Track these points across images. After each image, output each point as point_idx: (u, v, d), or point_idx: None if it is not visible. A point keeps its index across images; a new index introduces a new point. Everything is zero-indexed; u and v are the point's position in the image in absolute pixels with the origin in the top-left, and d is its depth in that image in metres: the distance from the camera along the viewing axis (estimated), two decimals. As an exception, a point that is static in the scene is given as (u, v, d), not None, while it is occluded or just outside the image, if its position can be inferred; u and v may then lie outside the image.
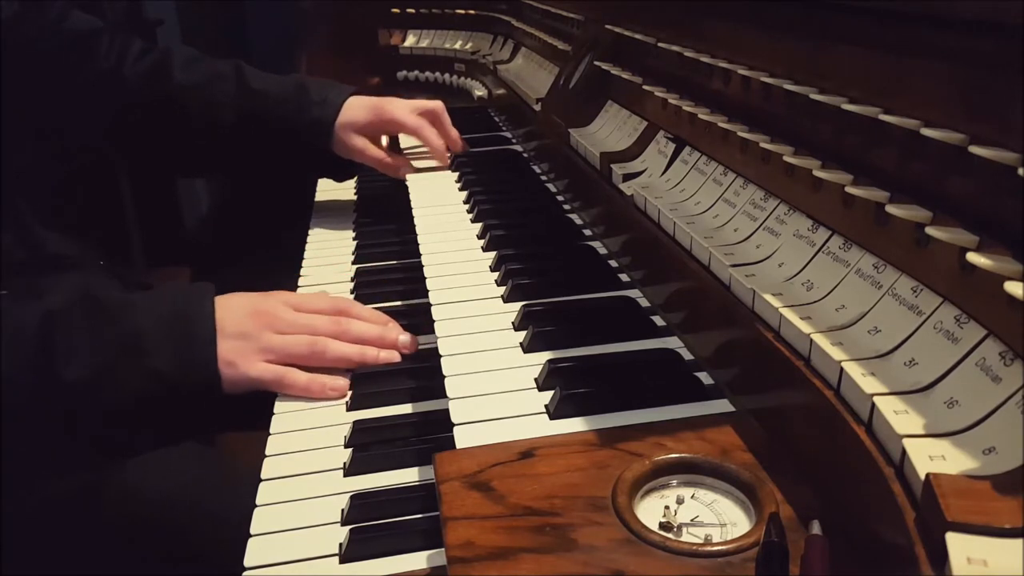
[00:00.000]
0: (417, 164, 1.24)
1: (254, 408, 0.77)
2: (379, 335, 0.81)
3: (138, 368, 0.71)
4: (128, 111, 1.10)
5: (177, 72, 1.11)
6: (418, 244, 0.97)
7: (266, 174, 1.29)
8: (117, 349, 0.72)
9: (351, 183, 1.33)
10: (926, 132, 0.47)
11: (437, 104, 1.25)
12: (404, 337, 0.81)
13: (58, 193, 1.11)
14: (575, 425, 0.60)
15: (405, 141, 1.33)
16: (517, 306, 0.78)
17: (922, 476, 0.39)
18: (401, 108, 1.21)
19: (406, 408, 0.74)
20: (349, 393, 0.75)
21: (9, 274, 0.91)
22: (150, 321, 0.73)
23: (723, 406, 0.62)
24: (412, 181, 1.19)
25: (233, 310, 0.77)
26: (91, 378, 0.71)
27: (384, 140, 1.24)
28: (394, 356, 0.79)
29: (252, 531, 0.59)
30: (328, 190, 1.31)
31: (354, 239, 1.13)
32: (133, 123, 1.11)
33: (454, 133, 1.27)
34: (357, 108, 1.15)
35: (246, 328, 0.76)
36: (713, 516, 0.50)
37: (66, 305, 0.73)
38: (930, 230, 0.46)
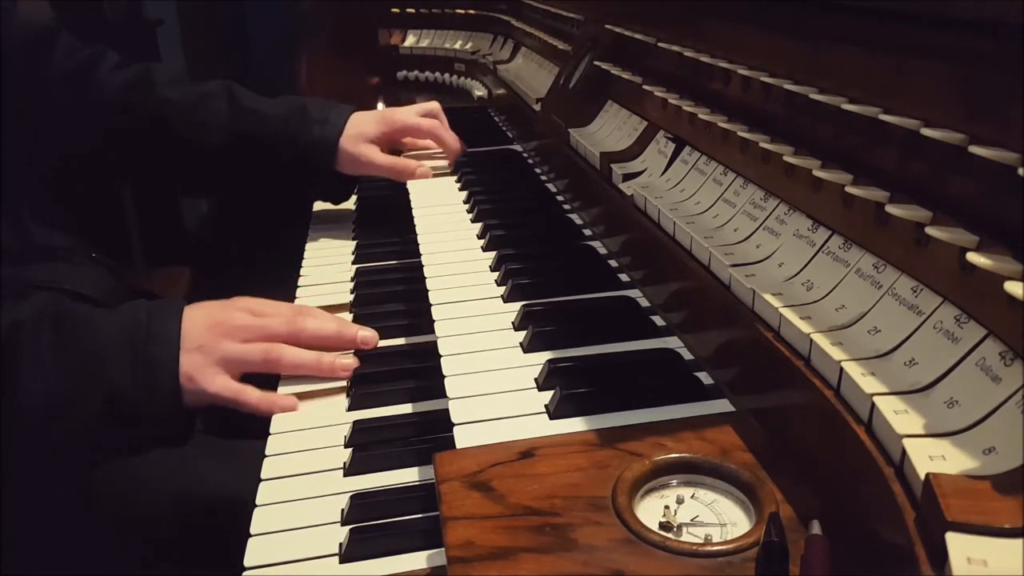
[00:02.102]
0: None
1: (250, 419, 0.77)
2: (336, 331, 0.81)
3: (99, 389, 0.73)
4: (110, 119, 1.07)
5: (161, 87, 1.09)
6: (418, 244, 0.97)
7: (261, 196, 1.26)
8: (80, 369, 0.73)
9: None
10: (926, 132, 0.47)
11: (435, 105, 1.26)
12: (364, 332, 0.82)
13: (57, 191, 1.10)
14: (575, 425, 0.60)
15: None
16: (517, 306, 0.78)
17: (922, 476, 0.39)
18: (409, 113, 1.21)
19: (406, 408, 0.74)
20: (351, 393, 0.75)
21: (5, 265, 0.91)
22: (113, 341, 0.74)
23: (723, 406, 0.62)
24: (412, 182, 1.19)
25: (193, 322, 0.77)
26: (53, 397, 0.72)
27: None
28: (350, 363, 0.79)
29: (252, 531, 0.59)
30: (334, 204, 1.30)
31: (354, 239, 1.13)
32: (119, 134, 1.08)
33: (452, 133, 1.28)
34: (365, 121, 1.14)
35: (204, 340, 0.76)
36: (713, 516, 0.50)
37: (35, 318, 0.74)
38: (930, 230, 0.46)
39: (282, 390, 0.77)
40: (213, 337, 0.77)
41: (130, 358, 0.74)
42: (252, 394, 0.76)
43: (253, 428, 0.74)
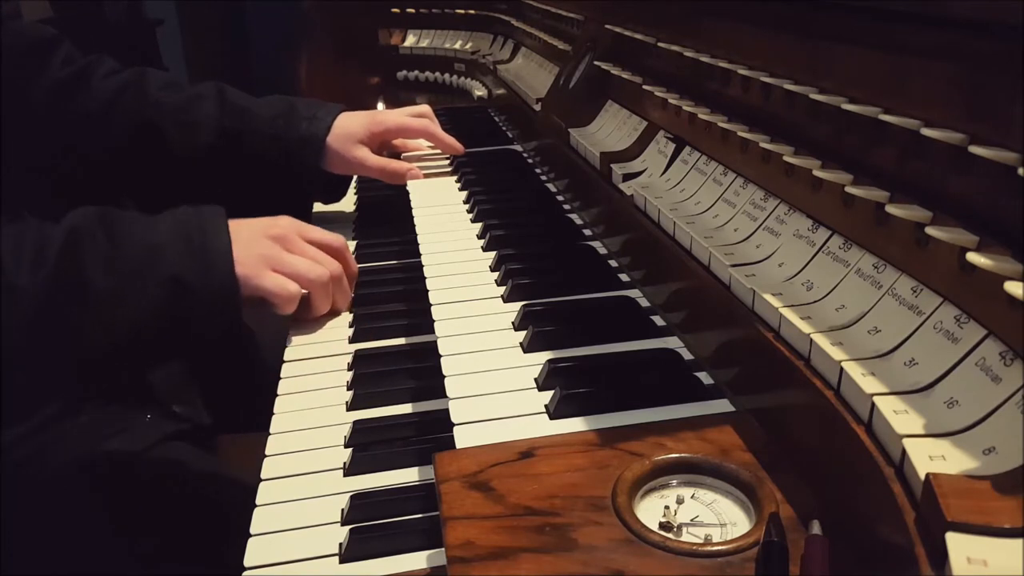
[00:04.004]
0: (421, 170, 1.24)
1: (252, 410, 0.78)
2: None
3: (159, 276, 0.76)
4: (103, 121, 1.08)
5: (153, 90, 1.09)
6: (418, 244, 0.97)
7: (251, 198, 1.26)
8: (139, 259, 0.76)
9: (351, 184, 1.32)
10: (926, 132, 0.47)
11: (426, 108, 1.27)
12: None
13: (56, 192, 1.10)
14: (575, 425, 0.60)
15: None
16: (517, 306, 0.78)
17: (922, 476, 0.39)
18: (398, 114, 1.22)
19: (406, 408, 0.74)
20: (350, 393, 0.75)
21: None
22: (168, 235, 0.78)
23: (723, 406, 0.62)
24: (412, 182, 1.19)
25: (245, 226, 0.83)
26: (117, 286, 0.74)
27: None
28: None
29: (252, 531, 0.59)
30: (326, 203, 1.30)
31: (354, 239, 1.13)
32: (113, 137, 1.09)
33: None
34: (353, 121, 1.14)
35: (261, 245, 0.83)
36: (713, 516, 0.50)
37: (87, 222, 0.77)
38: (930, 230, 0.46)
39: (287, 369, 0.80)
40: (269, 243, 0.84)
41: (187, 247, 0.78)
42: (293, 287, 0.83)
43: (261, 422, 0.74)
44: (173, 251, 0.77)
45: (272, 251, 0.83)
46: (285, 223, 0.87)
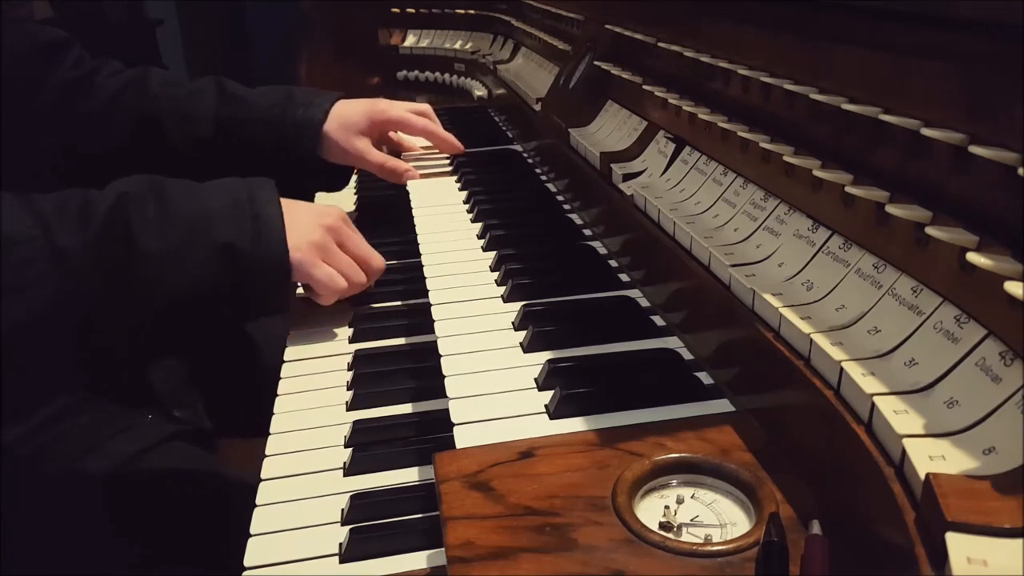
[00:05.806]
0: (421, 170, 1.24)
1: (253, 412, 0.78)
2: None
3: (210, 241, 0.76)
4: (105, 119, 1.08)
5: (154, 87, 1.10)
6: (418, 244, 0.97)
7: None
8: (189, 224, 0.76)
9: (351, 184, 1.32)
10: (926, 132, 0.47)
11: (427, 107, 1.26)
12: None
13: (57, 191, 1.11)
14: (575, 425, 0.60)
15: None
16: (517, 306, 0.78)
17: (922, 476, 0.39)
18: (400, 107, 1.21)
19: (406, 408, 0.74)
20: (350, 393, 0.75)
21: None
22: (219, 201, 0.78)
23: (723, 406, 0.62)
24: (412, 182, 1.19)
25: (301, 211, 0.84)
26: (167, 250, 0.74)
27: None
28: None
29: (252, 531, 0.59)
30: (327, 192, 1.31)
31: (354, 239, 1.13)
32: (114, 134, 1.09)
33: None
34: (352, 110, 1.12)
35: (316, 233, 0.83)
36: (713, 516, 0.50)
37: (138, 187, 0.77)
38: (930, 230, 0.47)
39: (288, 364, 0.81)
40: (324, 234, 0.84)
41: (237, 213, 0.78)
42: (341, 282, 0.84)
43: (262, 424, 0.74)
44: (224, 216, 0.77)
45: (326, 242, 0.84)
46: (336, 213, 0.87)
